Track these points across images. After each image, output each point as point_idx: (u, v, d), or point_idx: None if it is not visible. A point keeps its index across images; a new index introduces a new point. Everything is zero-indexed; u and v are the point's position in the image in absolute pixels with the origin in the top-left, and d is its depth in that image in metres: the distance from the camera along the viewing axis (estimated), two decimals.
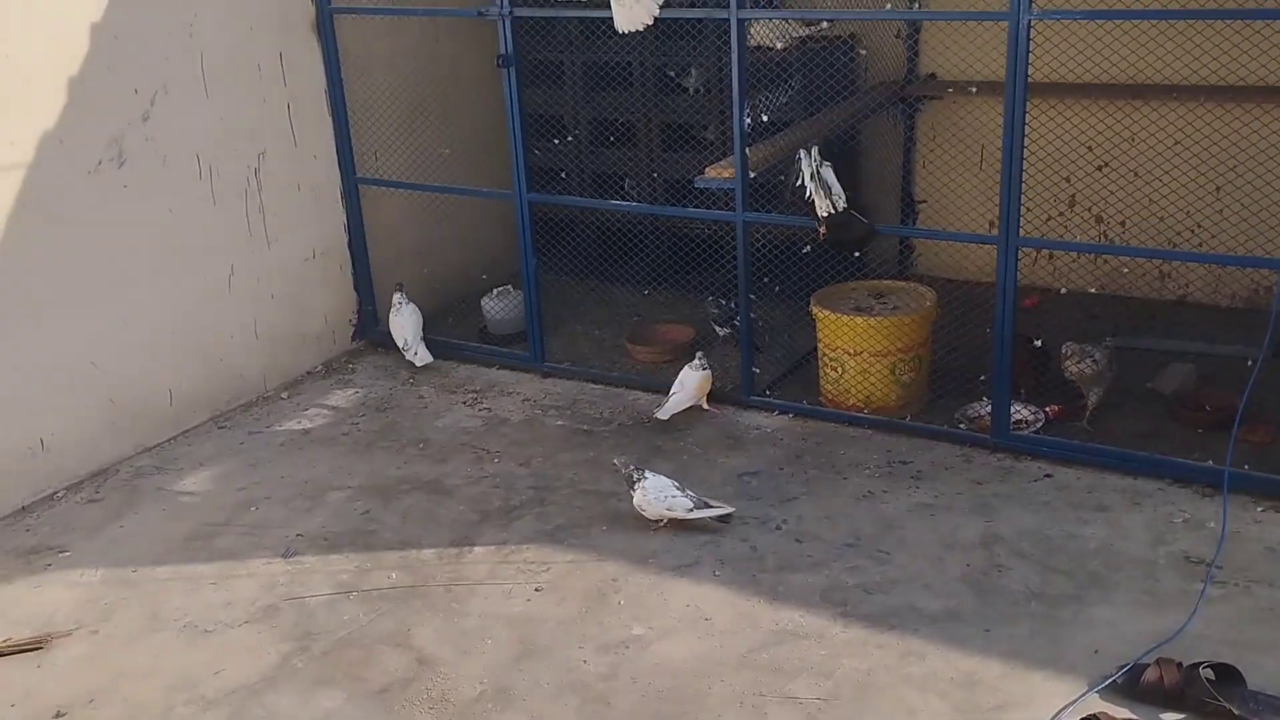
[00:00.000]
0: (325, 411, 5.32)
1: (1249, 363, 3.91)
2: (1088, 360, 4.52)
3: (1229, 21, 4.70)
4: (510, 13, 4.95)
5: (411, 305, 5.63)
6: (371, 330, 5.96)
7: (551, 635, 3.67)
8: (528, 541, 4.20)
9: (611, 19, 4.72)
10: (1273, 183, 4.86)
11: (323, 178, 5.65)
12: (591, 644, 3.62)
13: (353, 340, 5.97)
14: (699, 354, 4.98)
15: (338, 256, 5.81)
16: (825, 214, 4.57)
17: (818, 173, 4.52)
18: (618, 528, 4.24)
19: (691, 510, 4.15)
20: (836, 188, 4.56)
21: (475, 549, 4.17)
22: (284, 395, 5.50)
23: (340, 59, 5.54)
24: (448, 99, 6.05)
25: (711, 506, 4.18)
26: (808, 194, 4.53)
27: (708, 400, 5.02)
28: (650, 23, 4.61)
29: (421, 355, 5.61)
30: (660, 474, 4.24)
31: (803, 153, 4.53)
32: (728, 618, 3.70)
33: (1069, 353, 4.55)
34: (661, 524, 4.20)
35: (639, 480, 4.18)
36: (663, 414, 4.92)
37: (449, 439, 4.99)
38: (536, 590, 3.91)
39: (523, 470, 4.70)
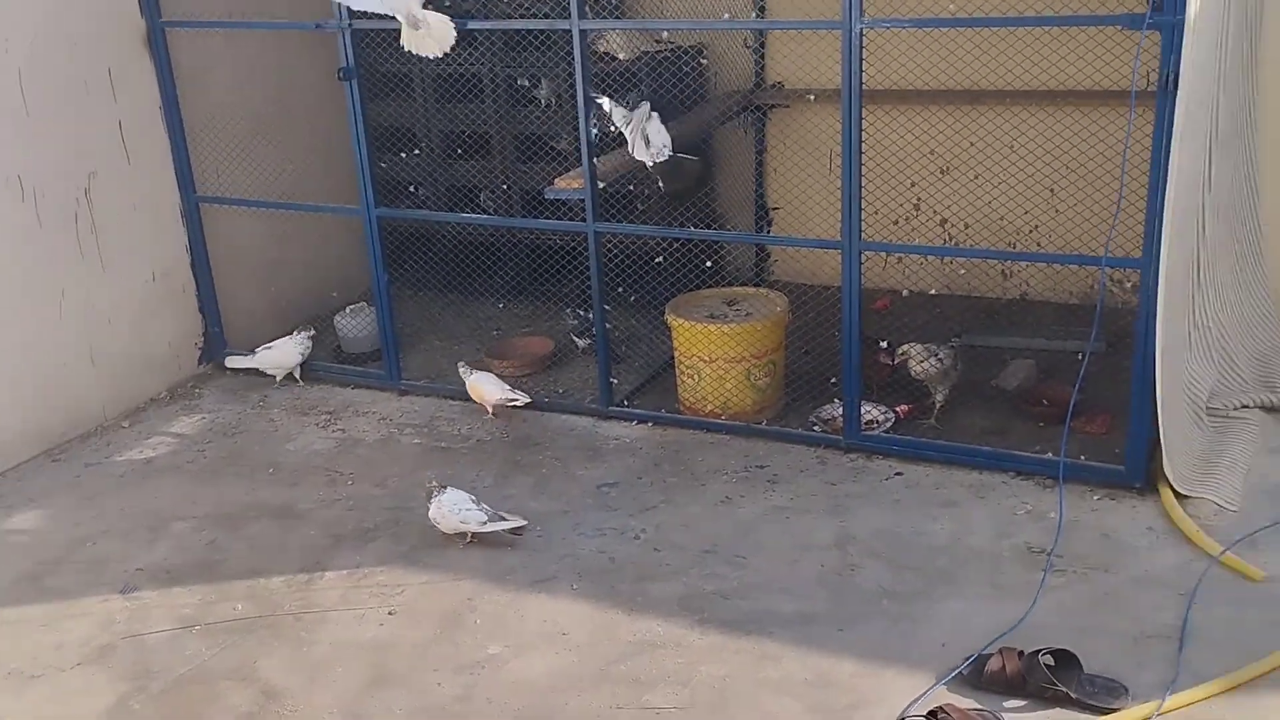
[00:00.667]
0: (169, 439, 5.12)
1: (1079, 356, 4.05)
2: (932, 360, 4.63)
3: (1055, 28, 4.89)
4: (350, 25, 4.85)
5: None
6: (219, 353, 5.76)
7: (405, 660, 3.58)
8: (382, 564, 4.09)
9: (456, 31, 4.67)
10: (1102, 183, 5.06)
11: (161, 197, 5.44)
12: (447, 666, 3.54)
13: (199, 364, 5.76)
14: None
15: (180, 278, 5.60)
16: (651, 164, 4.56)
17: (644, 126, 4.49)
18: (475, 547, 4.17)
19: (485, 524, 4.11)
20: (660, 139, 4.55)
21: (327, 574, 4.05)
22: (125, 424, 5.28)
23: (175, 74, 5.34)
24: (290, 113, 5.90)
25: (505, 520, 4.14)
26: (630, 145, 4.54)
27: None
28: (440, 55, 4.59)
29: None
30: (461, 490, 4.20)
31: (605, 99, 4.53)
32: (586, 631, 3.67)
33: (913, 353, 4.66)
34: (469, 539, 4.15)
35: (436, 494, 4.14)
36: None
37: (300, 462, 4.85)
38: (390, 614, 3.81)
39: (378, 491, 4.59)
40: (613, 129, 4.58)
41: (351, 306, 5.85)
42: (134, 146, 5.29)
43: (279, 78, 5.85)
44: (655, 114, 4.55)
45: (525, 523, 4.18)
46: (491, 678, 3.48)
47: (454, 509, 4.13)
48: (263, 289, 5.97)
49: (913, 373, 4.66)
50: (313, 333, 5.56)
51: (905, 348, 4.69)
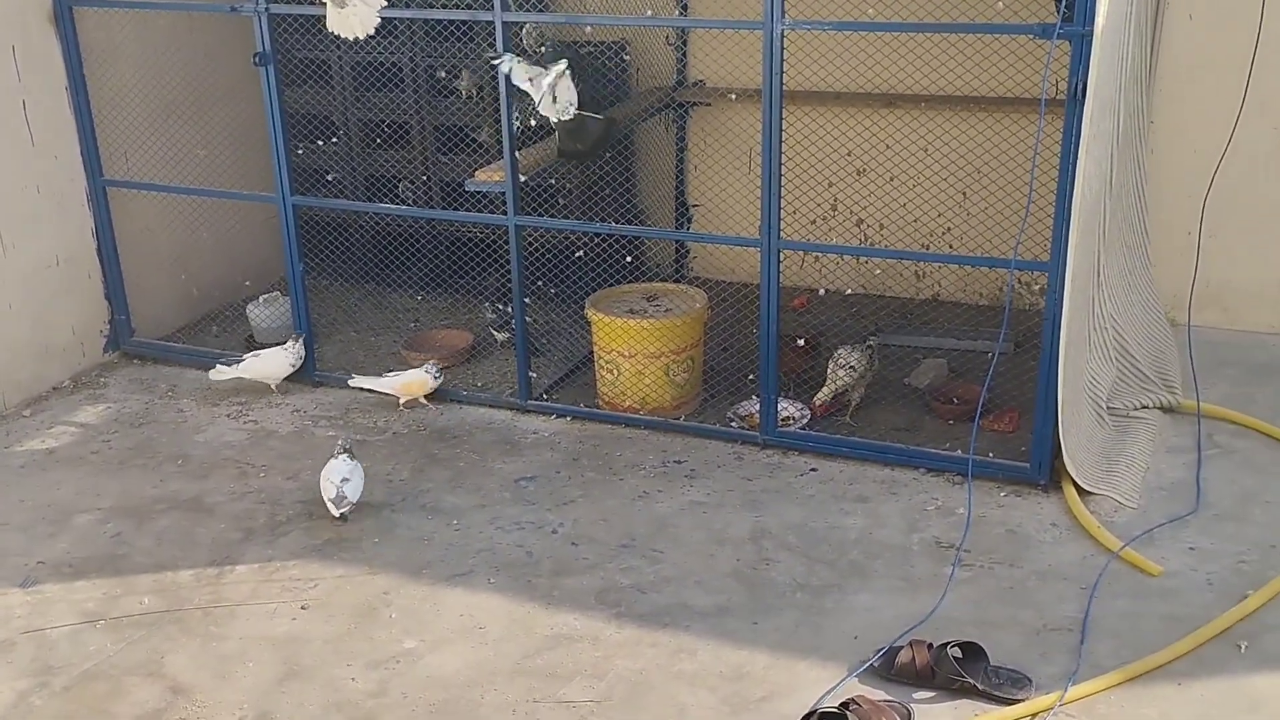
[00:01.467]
0: (72, 429, 4.97)
1: (989, 356, 4.15)
2: (844, 371, 4.70)
3: (968, 36, 5.00)
4: (266, 9, 4.76)
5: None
6: (126, 341, 5.62)
7: (318, 654, 3.54)
8: (294, 558, 4.04)
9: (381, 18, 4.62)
10: (1012, 188, 5.19)
11: (65, 179, 5.28)
12: (360, 661, 3.51)
13: (105, 352, 5.61)
14: (431, 362, 5.12)
15: (85, 263, 5.44)
16: (555, 120, 4.51)
17: (553, 85, 4.44)
18: (390, 539, 4.14)
19: (330, 499, 4.19)
20: (567, 98, 4.48)
21: (237, 569, 3.98)
22: (26, 413, 5.12)
23: (83, 54, 5.19)
24: (204, 97, 5.76)
25: (340, 507, 4.18)
26: (538, 101, 4.46)
27: (426, 398, 5.11)
28: (364, 36, 4.53)
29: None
30: (359, 464, 4.25)
31: (506, 58, 4.47)
32: (502, 625, 3.66)
33: (836, 361, 4.72)
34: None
35: (337, 455, 4.23)
36: (354, 381, 5.12)
37: (210, 454, 4.75)
38: (303, 608, 3.76)
39: (291, 484, 4.52)
40: (520, 88, 4.48)
41: (265, 296, 5.75)
42: (38, 127, 5.13)
43: (192, 60, 5.71)
44: (569, 72, 4.46)
45: (337, 515, 4.19)
46: (406, 672, 3.45)
47: (326, 474, 4.23)
48: (172, 276, 5.83)
49: (833, 380, 4.71)
50: (302, 338, 5.25)
51: (837, 357, 4.76)
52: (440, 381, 5.09)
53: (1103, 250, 4.38)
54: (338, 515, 4.22)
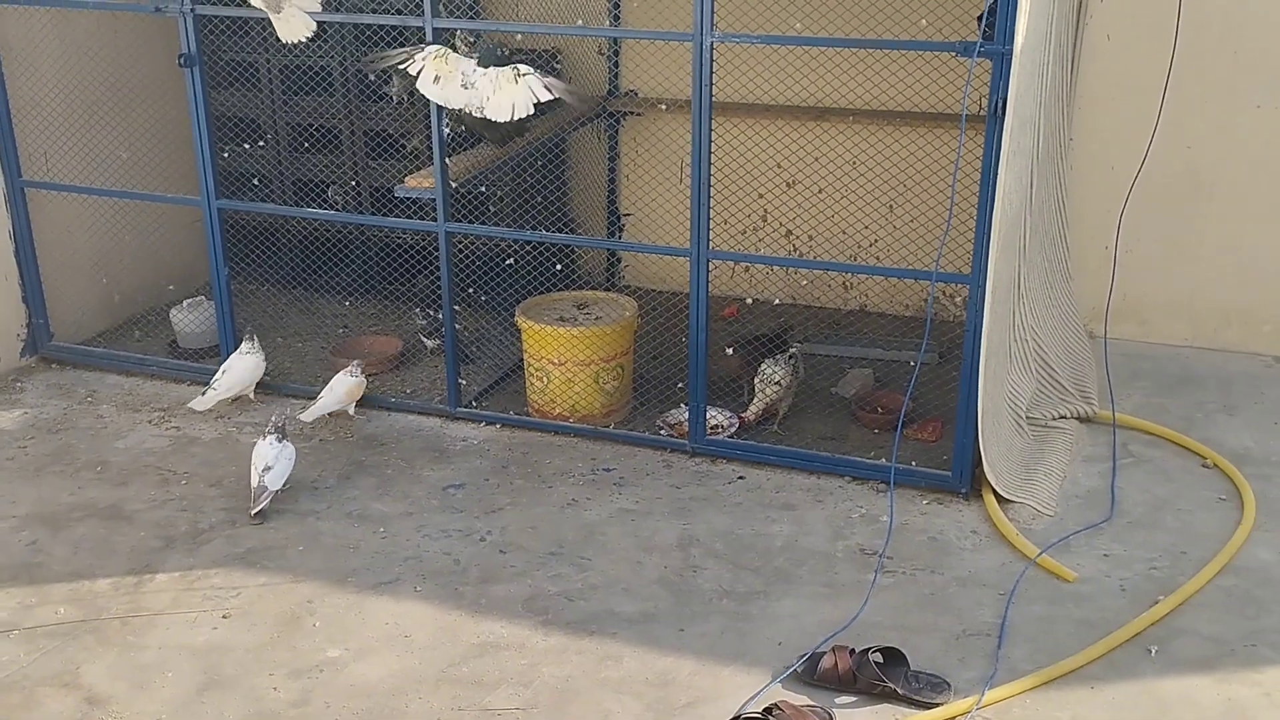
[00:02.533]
0: None
1: (911, 364, 4.23)
2: (772, 387, 4.75)
3: (894, 52, 5.09)
4: (192, 10, 4.69)
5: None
6: (44, 345, 5.49)
7: (239, 664, 3.49)
8: (216, 566, 3.98)
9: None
10: (936, 201, 5.30)
11: None
12: (283, 670, 3.47)
13: (22, 357, 5.48)
14: (355, 362, 4.94)
15: (2, 266, 5.31)
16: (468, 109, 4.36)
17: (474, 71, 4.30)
18: (315, 547, 4.09)
19: (252, 488, 4.24)
20: (487, 94, 4.31)
21: (157, 577, 3.91)
22: None
23: (1, 52, 5.07)
24: (127, 98, 5.66)
25: (262, 500, 4.21)
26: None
27: (355, 407, 4.98)
28: (309, 36, 4.49)
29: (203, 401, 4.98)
30: (288, 444, 4.30)
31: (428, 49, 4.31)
32: (428, 633, 3.64)
33: (762, 377, 4.77)
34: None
35: (266, 436, 4.29)
36: (307, 416, 4.83)
37: (131, 461, 4.66)
38: (224, 617, 3.71)
39: (214, 491, 4.45)
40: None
41: (189, 300, 5.65)
42: None
43: (116, 61, 5.61)
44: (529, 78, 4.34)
45: (254, 512, 4.20)
46: (330, 681, 3.42)
47: (255, 460, 4.26)
48: (93, 280, 5.71)
49: (761, 393, 4.76)
50: (250, 330, 5.15)
51: (763, 370, 4.79)
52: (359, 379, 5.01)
53: (1023, 264, 4.48)
54: (253, 514, 4.19)
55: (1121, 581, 3.86)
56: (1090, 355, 5.02)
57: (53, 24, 5.30)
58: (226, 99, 5.97)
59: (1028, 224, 4.35)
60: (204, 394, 5.00)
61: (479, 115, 4.43)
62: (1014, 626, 3.62)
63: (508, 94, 4.33)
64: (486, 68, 4.40)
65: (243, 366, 5.02)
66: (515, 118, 4.39)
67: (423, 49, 4.41)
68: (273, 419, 4.37)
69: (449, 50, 4.41)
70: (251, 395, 5.12)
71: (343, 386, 4.86)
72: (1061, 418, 4.82)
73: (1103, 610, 3.70)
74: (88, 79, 5.49)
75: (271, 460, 4.24)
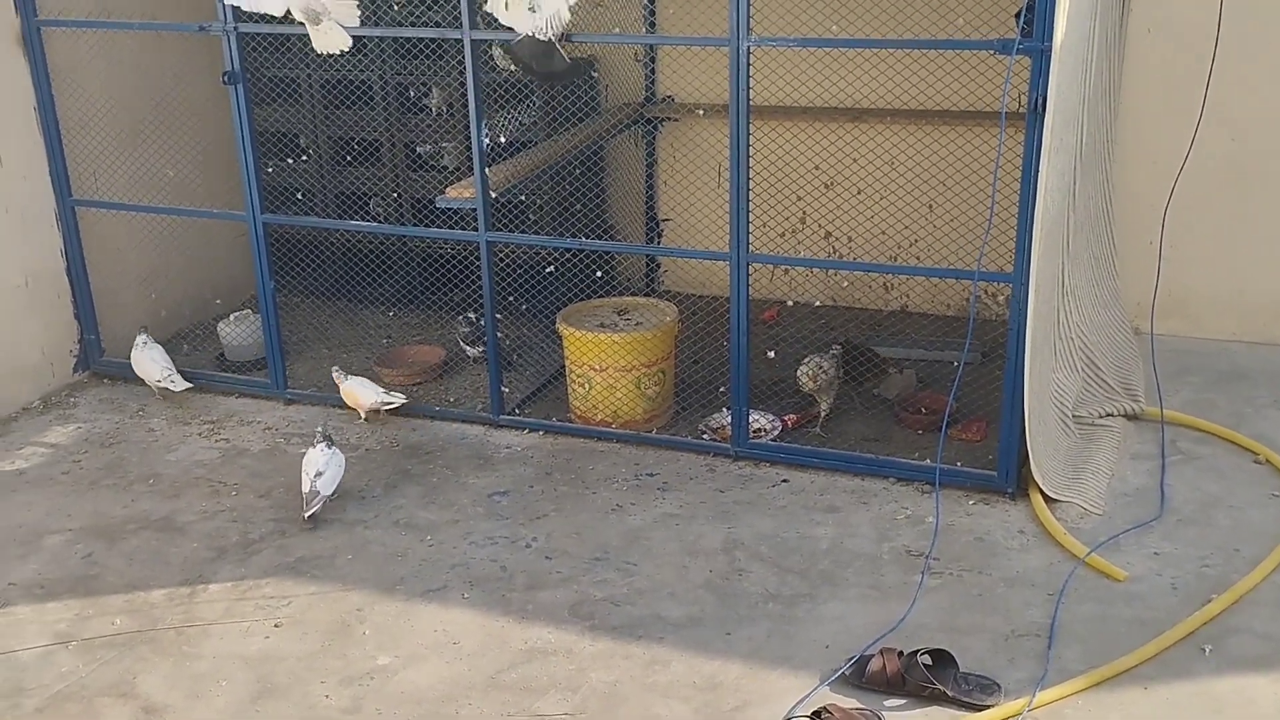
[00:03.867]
0: (42, 450, 4.95)
1: (954, 365, 4.21)
2: (821, 376, 4.73)
3: (931, 51, 5.07)
4: (235, 28, 4.77)
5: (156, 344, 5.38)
6: (95, 361, 5.60)
7: (291, 672, 3.54)
8: (267, 576, 4.03)
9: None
10: (976, 200, 5.26)
11: (34, 200, 5.27)
12: (334, 678, 3.51)
13: (75, 372, 5.58)
14: (335, 367, 5.14)
15: (54, 283, 5.42)
16: (525, 34, 4.32)
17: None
18: (364, 556, 4.14)
19: (304, 494, 4.33)
20: (552, 10, 4.25)
21: (210, 588, 3.98)
22: None
23: (50, 74, 5.18)
24: (173, 116, 5.76)
25: (314, 506, 4.30)
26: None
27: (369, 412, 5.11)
28: (346, 49, 4.52)
29: (179, 381, 5.30)
30: (337, 451, 4.43)
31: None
32: (477, 640, 3.67)
33: (805, 370, 4.75)
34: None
35: (315, 444, 4.40)
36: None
37: (182, 473, 4.74)
38: (276, 626, 3.76)
39: (263, 502, 4.52)
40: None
41: (236, 314, 5.74)
42: (6, 148, 5.12)
43: (161, 80, 5.71)
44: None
45: (306, 515, 4.30)
46: (380, 689, 3.46)
47: (307, 466, 4.36)
48: (142, 295, 5.81)
49: (802, 386, 4.76)
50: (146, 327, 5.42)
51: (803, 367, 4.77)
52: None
53: (1067, 261, 4.45)
54: (306, 518, 4.28)
55: (1173, 580, 3.81)
56: (1137, 352, 4.97)
57: (100, 46, 5.41)
58: (269, 114, 6.06)
59: (1071, 221, 4.32)
60: (173, 379, 5.30)
61: (543, 38, 4.33)
62: (1064, 627, 3.59)
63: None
64: None
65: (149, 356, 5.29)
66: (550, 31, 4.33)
67: None
68: (319, 428, 4.48)
69: None
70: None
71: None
72: (1108, 415, 4.77)
73: (1154, 609, 3.66)
74: (134, 99, 5.60)
75: (322, 466, 4.33)
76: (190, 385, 5.34)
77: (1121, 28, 4.92)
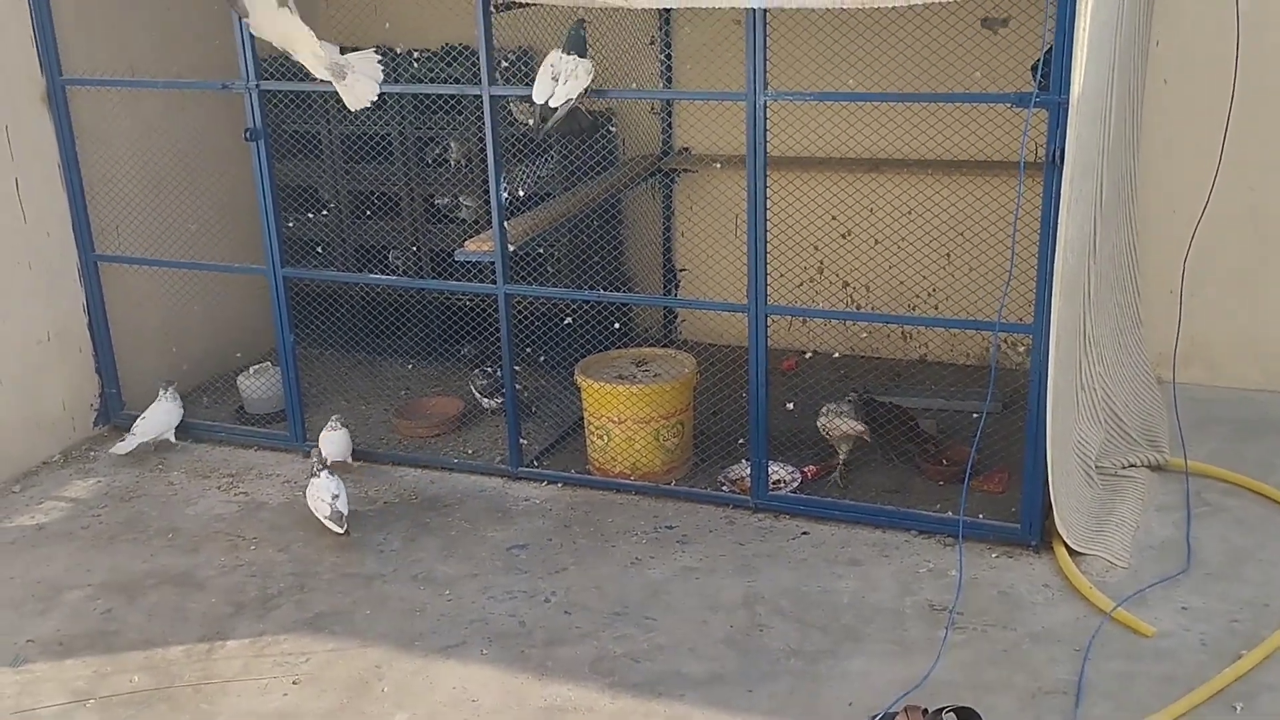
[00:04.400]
0: (62, 504, 4.96)
1: (975, 416, 4.18)
2: (845, 421, 4.69)
3: (944, 104, 5.10)
4: (256, 86, 4.84)
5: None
6: (116, 414, 5.62)
7: None
8: (286, 632, 4.01)
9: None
10: (995, 250, 5.25)
11: (57, 255, 5.32)
12: None
13: (95, 426, 5.61)
14: (335, 416, 5.17)
15: (76, 338, 5.46)
16: (541, 101, 4.44)
17: (560, 59, 4.37)
18: (383, 611, 4.12)
19: (326, 518, 4.56)
20: (572, 80, 4.37)
21: (228, 644, 3.96)
22: (15, 489, 5.10)
23: (75, 132, 5.26)
24: (194, 172, 5.83)
25: (339, 524, 4.54)
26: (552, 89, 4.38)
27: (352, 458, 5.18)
28: (374, 100, 4.55)
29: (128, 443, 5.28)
30: (335, 478, 4.63)
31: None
32: (495, 697, 3.64)
33: (832, 419, 4.71)
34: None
35: (313, 475, 4.64)
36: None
37: (201, 527, 4.74)
38: (294, 683, 3.73)
39: (282, 556, 4.50)
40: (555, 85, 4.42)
41: (256, 367, 5.77)
42: (31, 204, 5.18)
43: (183, 136, 5.79)
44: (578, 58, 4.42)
45: (342, 531, 4.53)
46: None
47: (314, 494, 4.61)
48: (163, 349, 5.84)
49: (825, 433, 4.73)
50: (175, 384, 5.43)
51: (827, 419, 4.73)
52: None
53: (1089, 311, 4.43)
54: (342, 530, 4.53)
55: (1202, 636, 3.75)
56: (1160, 401, 4.93)
57: (124, 104, 5.49)
58: (290, 169, 6.12)
59: (1092, 271, 4.30)
60: (124, 441, 5.28)
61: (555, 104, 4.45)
62: (1091, 684, 3.54)
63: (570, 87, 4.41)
64: (570, 53, 4.41)
65: (157, 412, 5.30)
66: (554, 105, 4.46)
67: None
68: (314, 460, 4.68)
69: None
70: (172, 439, 5.37)
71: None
72: (1131, 466, 4.72)
73: (1183, 666, 3.60)
74: (157, 155, 5.67)
75: (336, 489, 4.59)
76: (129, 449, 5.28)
77: (1141, 78, 4.93)
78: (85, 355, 5.52)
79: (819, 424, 4.76)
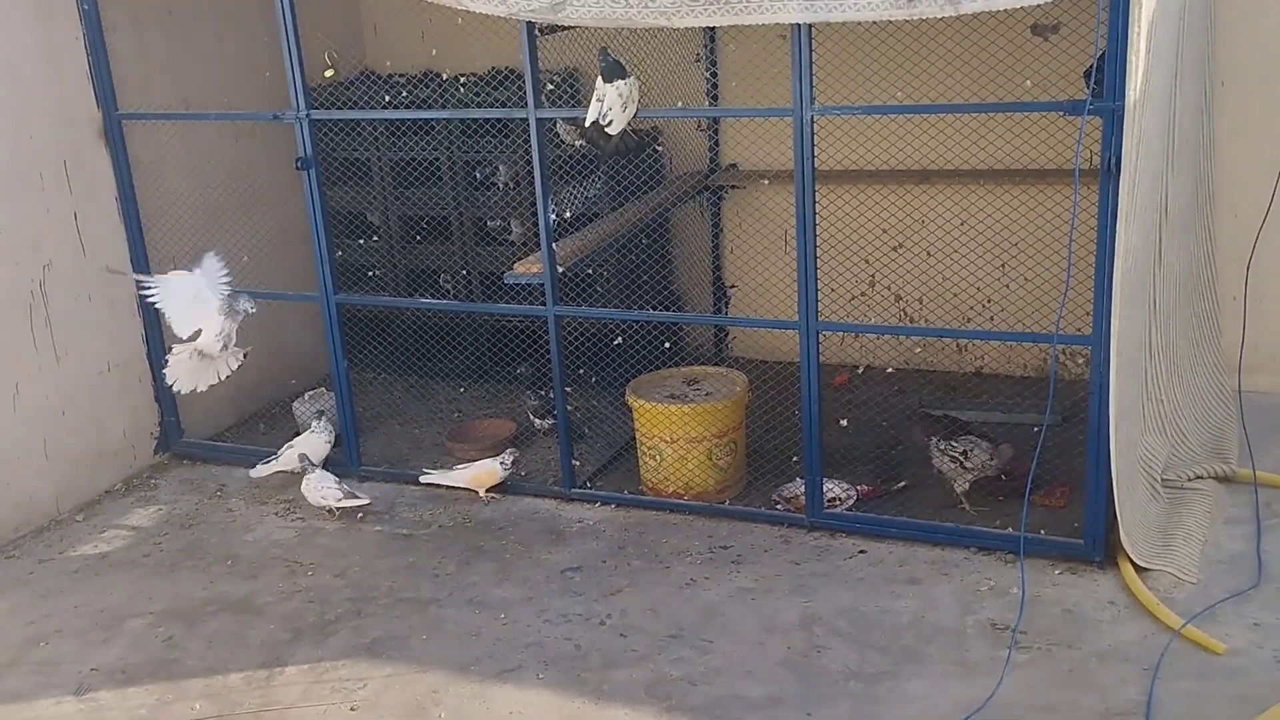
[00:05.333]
0: (125, 532, 5.03)
1: (1035, 430, 4.10)
2: (984, 458, 4.51)
3: (995, 114, 5.03)
4: (307, 115, 4.89)
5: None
6: (175, 442, 5.70)
7: None
8: (343, 657, 4.03)
9: (411, 120, 4.71)
10: (1051, 260, 5.17)
11: (117, 287, 5.41)
12: None
13: (155, 454, 5.69)
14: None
15: (136, 368, 5.55)
16: (590, 121, 4.46)
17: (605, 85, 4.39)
18: (439, 636, 4.12)
19: (341, 500, 4.92)
20: (630, 105, 4.40)
21: (287, 670, 3.98)
22: (79, 518, 5.19)
23: (131, 165, 5.36)
24: (248, 201, 5.91)
25: (357, 498, 4.95)
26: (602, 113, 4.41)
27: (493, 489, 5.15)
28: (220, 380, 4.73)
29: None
30: (328, 473, 5.00)
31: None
32: None
33: (970, 452, 4.54)
34: (333, 513, 4.99)
35: (307, 472, 4.99)
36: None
37: (259, 553, 4.78)
38: (352, 709, 3.74)
39: (338, 582, 4.53)
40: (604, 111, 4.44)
41: (311, 392, 5.83)
42: (90, 238, 5.28)
43: (237, 167, 5.88)
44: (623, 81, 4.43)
45: (369, 500, 4.97)
46: None
47: (318, 486, 4.93)
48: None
49: (934, 462, 4.60)
50: (324, 417, 5.39)
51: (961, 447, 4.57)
52: (511, 472, 5.10)
53: (1154, 320, 4.32)
54: (361, 503, 4.94)
55: (1275, 653, 3.64)
56: (1233, 413, 4.80)
57: (178, 136, 5.59)
58: (340, 195, 6.19)
59: (1158, 279, 4.20)
60: (266, 463, 5.31)
61: (604, 124, 4.47)
62: (1161, 704, 3.44)
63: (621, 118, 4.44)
64: (612, 80, 4.42)
65: (308, 444, 5.26)
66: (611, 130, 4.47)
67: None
68: (305, 462, 5.08)
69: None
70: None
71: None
72: (1198, 478, 4.61)
73: (1257, 684, 3.49)
74: (211, 186, 5.76)
75: (328, 483, 4.96)
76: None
77: (1211, 81, 4.82)
78: (145, 385, 5.61)
79: (944, 461, 4.57)
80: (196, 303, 4.54)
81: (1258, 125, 5.00)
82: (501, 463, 5.07)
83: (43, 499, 5.10)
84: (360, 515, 5.04)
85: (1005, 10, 3.68)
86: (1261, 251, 4.81)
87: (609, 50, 4.35)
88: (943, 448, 4.55)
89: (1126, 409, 3.98)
